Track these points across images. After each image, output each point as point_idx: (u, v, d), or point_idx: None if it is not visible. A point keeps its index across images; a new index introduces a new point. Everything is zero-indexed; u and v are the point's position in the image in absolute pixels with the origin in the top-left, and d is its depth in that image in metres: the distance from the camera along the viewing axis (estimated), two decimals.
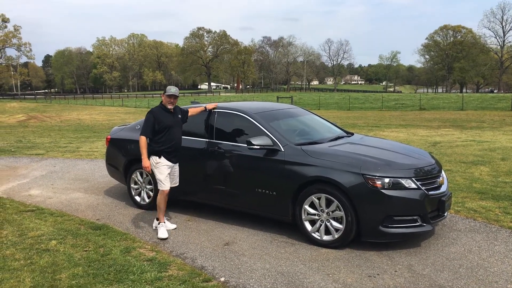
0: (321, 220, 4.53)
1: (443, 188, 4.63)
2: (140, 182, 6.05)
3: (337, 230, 4.43)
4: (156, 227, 5.23)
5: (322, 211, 4.50)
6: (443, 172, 4.91)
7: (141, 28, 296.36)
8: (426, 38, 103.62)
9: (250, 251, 4.48)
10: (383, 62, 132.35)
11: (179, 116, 5.15)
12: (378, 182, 4.24)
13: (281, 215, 4.85)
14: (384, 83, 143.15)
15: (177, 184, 5.22)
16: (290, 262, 4.19)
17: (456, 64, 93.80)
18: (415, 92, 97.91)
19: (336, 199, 4.36)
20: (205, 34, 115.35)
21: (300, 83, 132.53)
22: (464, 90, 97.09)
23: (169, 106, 4.99)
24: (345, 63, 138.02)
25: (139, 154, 4.98)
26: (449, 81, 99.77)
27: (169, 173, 5.02)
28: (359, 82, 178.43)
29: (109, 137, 6.64)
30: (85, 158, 10.63)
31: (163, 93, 5.03)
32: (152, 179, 5.82)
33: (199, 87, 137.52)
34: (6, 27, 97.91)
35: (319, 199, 4.49)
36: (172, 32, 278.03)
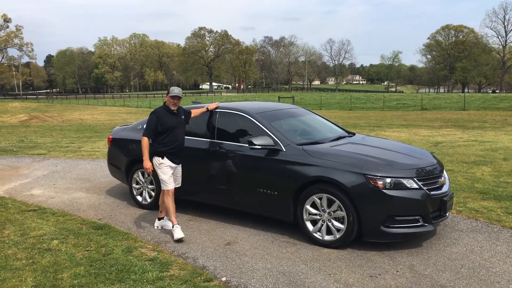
0: (322, 220, 4.53)
1: (445, 188, 4.63)
2: (142, 182, 6.06)
3: (338, 230, 4.43)
4: (157, 227, 5.24)
5: (324, 211, 4.50)
6: (444, 172, 4.90)
7: (143, 28, 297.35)
8: (428, 38, 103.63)
9: (252, 251, 4.48)
10: (384, 62, 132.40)
11: (182, 117, 5.14)
12: (380, 182, 4.23)
13: (283, 215, 4.85)
14: (385, 83, 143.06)
15: (180, 185, 5.21)
16: (292, 262, 4.19)
17: (458, 64, 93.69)
18: (417, 92, 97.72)
19: (337, 199, 4.36)
20: (206, 34, 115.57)
21: (301, 83, 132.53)
22: (466, 90, 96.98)
23: (173, 107, 4.97)
24: (347, 63, 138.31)
25: (141, 154, 4.97)
26: (451, 81, 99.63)
27: (172, 174, 5.02)
28: (361, 82, 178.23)
29: (110, 137, 6.65)
30: (87, 158, 10.65)
31: (167, 94, 5.01)
32: (153, 179, 5.83)
33: (200, 87, 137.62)
34: (8, 27, 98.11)
35: (320, 199, 4.49)
36: (174, 32, 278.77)
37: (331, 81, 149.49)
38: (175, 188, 5.11)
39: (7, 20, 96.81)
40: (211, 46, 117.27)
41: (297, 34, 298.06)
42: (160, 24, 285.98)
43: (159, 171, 4.97)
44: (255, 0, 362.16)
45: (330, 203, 4.45)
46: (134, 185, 6.16)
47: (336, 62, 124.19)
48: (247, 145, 4.95)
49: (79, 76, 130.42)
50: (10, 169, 9.18)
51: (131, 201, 6.31)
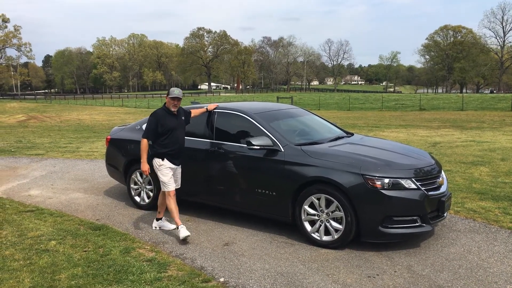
0: (320, 221, 4.53)
1: (443, 189, 4.63)
2: (140, 182, 6.05)
3: (336, 230, 4.43)
4: (155, 227, 5.24)
5: (322, 211, 4.50)
6: (442, 172, 4.91)
7: (142, 28, 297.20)
8: (426, 38, 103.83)
9: (250, 252, 4.47)
10: (383, 62, 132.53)
11: (183, 118, 5.10)
12: (378, 183, 4.23)
13: (281, 216, 4.85)
14: (384, 83, 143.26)
15: (179, 186, 5.19)
16: (290, 262, 4.19)
17: (456, 64, 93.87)
18: (415, 93, 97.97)
19: (335, 200, 4.36)
20: (205, 34, 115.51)
21: (300, 83, 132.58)
22: (464, 91, 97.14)
23: (173, 109, 4.92)
24: (345, 63, 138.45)
25: (139, 154, 4.96)
26: (449, 81, 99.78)
27: (172, 175, 4.99)
28: (359, 83, 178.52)
29: (109, 137, 6.64)
30: (85, 158, 10.63)
31: (167, 95, 4.95)
32: (151, 180, 5.82)
33: (199, 87, 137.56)
34: (6, 27, 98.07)
35: (319, 199, 4.49)
36: (172, 32, 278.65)
37: (330, 82, 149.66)
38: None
39: (5, 20, 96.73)
40: (210, 47, 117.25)
41: (297, 34, 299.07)
42: (160, 24, 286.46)
43: (159, 173, 4.93)
44: (255, 0, 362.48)
45: (328, 203, 4.45)
46: (132, 185, 6.15)
47: (335, 63, 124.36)
48: (246, 145, 4.94)
49: (78, 76, 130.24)
50: (8, 170, 9.16)
51: (129, 201, 6.30)
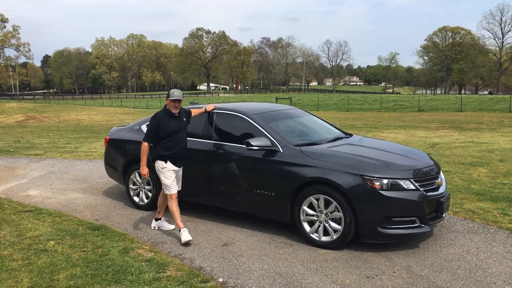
0: (319, 221, 4.53)
1: (442, 189, 4.64)
2: (139, 182, 6.04)
3: (335, 231, 4.43)
4: (154, 227, 5.23)
5: (321, 212, 4.50)
6: (441, 173, 4.92)
7: (140, 29, 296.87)
8: (425, 39, 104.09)
9: (249, 252, 4.47)
10: (382, 63, 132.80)
11: (184, 119, 5.05)
12: (377, 183, 4.24)
13: (280, 216, 4.85)
14: (383, 84, 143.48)
15: (180, 188, 5.15)
16: (289, 263, 4.19)
17: (454, 65, 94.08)
18: (414, 93, 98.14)
19: (334, 200, 4.36)
20: (204, 34, 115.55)
21: (299, 84, 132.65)
22: (462, 92, 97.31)
23: (174, 111, 4.87)
24: (344, 64, 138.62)
25: (138, 154, 4.95)
26: (448, 82, 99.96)
27: (174, 177, 4.97)
28: (358, 83, 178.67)
29: (107, 137, 6.63)
30: (83, 158, 10.62)
31: (167, 98, 4.88)
32: (150, 180, 5.82)
33: (198, 87, 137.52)
34: (5, 27, 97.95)
35: (317, 200, 4.49)
36: (171, 32, 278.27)
37: (329, 82, 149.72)
38: None
39: (4, 20, 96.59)
40: (209, 47, 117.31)
41: (296, 35, 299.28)
42: (160, 24, 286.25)
43: (161, 176, 4.89)
44: (255, 1, 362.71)
45: (327, 204, 4.46)
46: (131, 185, 6.14)
47: (334, 63, 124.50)
48: (245, 146, 4.94)
49: (76, 76, 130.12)
50: (7, 170, 9.15)
51: (128, 201, 6.29)
